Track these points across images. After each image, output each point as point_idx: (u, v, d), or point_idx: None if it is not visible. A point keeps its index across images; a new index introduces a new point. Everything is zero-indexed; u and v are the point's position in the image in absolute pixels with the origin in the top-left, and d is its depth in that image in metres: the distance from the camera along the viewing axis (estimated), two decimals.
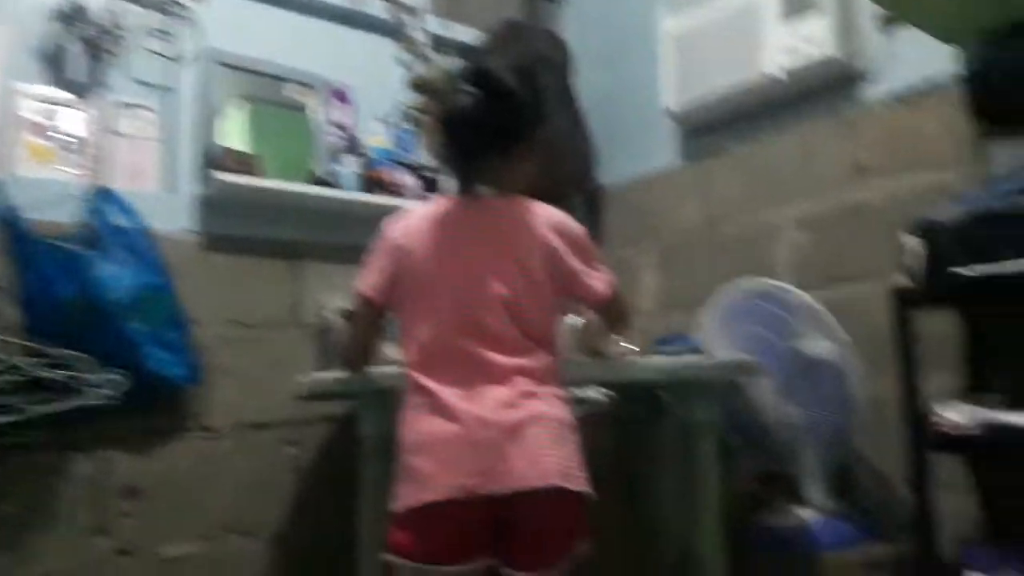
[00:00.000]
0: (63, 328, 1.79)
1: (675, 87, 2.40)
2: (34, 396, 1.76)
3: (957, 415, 1.51)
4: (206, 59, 2.18)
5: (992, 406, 1.53)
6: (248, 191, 2.13)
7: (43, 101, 1.96)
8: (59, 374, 1.78)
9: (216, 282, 2.11)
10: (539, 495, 1.20)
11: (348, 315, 1.73)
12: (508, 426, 1.22)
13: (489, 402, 1.24)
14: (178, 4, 2.15)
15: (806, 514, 1.83)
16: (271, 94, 2.33)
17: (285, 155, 2.28)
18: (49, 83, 1.97)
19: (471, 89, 1.33)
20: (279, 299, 2.21)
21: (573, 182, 2.60)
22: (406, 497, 1.24)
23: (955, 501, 1.75)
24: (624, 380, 1.58)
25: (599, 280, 1.40)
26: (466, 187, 1.38)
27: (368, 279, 1.40)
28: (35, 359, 1.76)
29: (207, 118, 2.16)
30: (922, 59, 1.93)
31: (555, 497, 1.21)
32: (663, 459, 1.86)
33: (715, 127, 2.40)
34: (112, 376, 1.82)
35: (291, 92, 2.36)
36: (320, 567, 2.10)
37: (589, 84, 2.65)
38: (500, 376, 1.27)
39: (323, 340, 2.03)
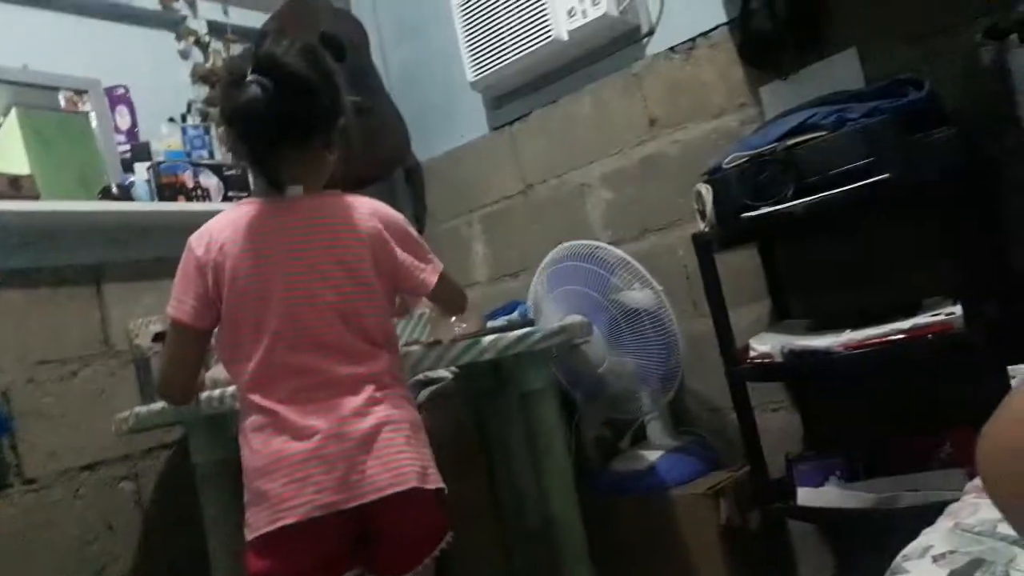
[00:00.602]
0: None
1: (472, 59, 2.40)
2: None
3: (764, 345, 1.64)
4: None
5: (795, 332, 1.68)
6: (26, 217, 1.92)
7: None
8: None
9: (10, 322, 1.91)
10: (399, 500, 1.20)
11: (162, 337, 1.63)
12: (359, 436, 1.20)
13: (338, 414, 1.21)
14: None
15: (652, 455, 1.93)
16: (43, 105, 2.11)
17: (69, 170, 2.08)
18: None
19: (257, 78, 1.23)
20: (86, 329, 2.05)
21: (389, 162, 2.57)
22: (260, 523, 1.19)
23: (784, 420, 1.92)
24: (459, 365, 1.60)
25: (430, 271, 1.37)
26: (271, 186, 1.30)
27: (181, 303, 1.28)
28: None
29: None
30: (696, 12, 2.05)
31: (414, 499, 1.21)
32: (514, 427, 1.91)
33: (517, 94, 2.45)
34: None
35: (66, 101, 2.16)
36: None
37: (391, 61, 2.61)
38: (345, 387, 1.23)
39: (141, 369, 1.91)
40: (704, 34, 2.04)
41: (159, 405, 1.60)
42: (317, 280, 1.25)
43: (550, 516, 1.63)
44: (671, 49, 2.11)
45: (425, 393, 2.17)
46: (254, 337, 1.24)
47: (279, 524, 1.16)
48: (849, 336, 1.51)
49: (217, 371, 1.65)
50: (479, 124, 2.58)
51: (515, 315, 2.04)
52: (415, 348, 1.57)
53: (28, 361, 1.93)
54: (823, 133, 1.54)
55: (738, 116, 1.98)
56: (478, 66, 2.39)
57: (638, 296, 1.86)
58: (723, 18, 1.99)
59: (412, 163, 2.69)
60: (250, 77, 1.24)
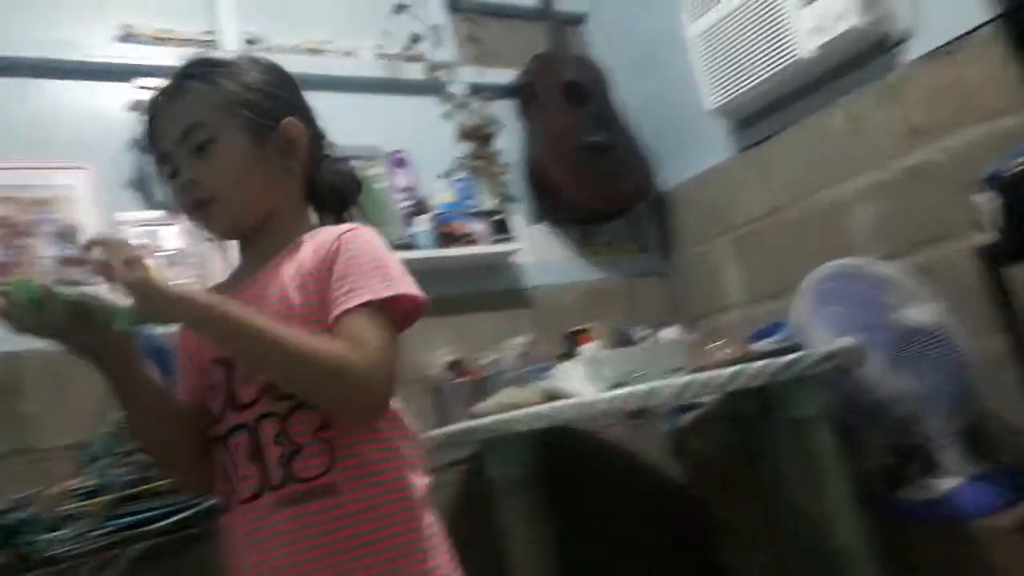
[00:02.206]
0: None
1: (712, 85, 2.44)
2: None
3: None
4: None
5: None
6: None
7: (143, 224, 2.13)
8: None
9: None
10: None
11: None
12: None
13: None
14: None
15: (947, 483, 1.80)
16: None
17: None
18: (142, 207, 2.14)
19: None
20: None
21: (633, 196, 2.69)
22: None
23: None
24: (724, 392, 1.63)
25: None
26: None
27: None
28: None
29: None
30: (954, 13, 1.95)
31: None
32: (785, 452, 1.88)
33: (761, 115, 2.44)
34: None
35: (356, 167, 2.50)
36: None
37: (630, 95, 2.73)
38: None
39: (437, 395, 2.15)
40: (967, 34, 1.93)
41: (458, 426, 1.81)
42: None
43: (834, 545, 1.60)
44: (929, 54, 2.02)
45: (687, 417, 2.22)
46: None
47: None
48: None
49: (505, 394, 1.83)
50: (724, 147, 2.60)
51: (778, 337, 2.03)
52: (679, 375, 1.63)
53: None
54: None
55: (1018, 117, 1.84)
56: (720, 92, 2.43)
57: (917, 314, 1.77)
58: (987, 15, 1.88)
59: (656, 194, 2.78)
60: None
